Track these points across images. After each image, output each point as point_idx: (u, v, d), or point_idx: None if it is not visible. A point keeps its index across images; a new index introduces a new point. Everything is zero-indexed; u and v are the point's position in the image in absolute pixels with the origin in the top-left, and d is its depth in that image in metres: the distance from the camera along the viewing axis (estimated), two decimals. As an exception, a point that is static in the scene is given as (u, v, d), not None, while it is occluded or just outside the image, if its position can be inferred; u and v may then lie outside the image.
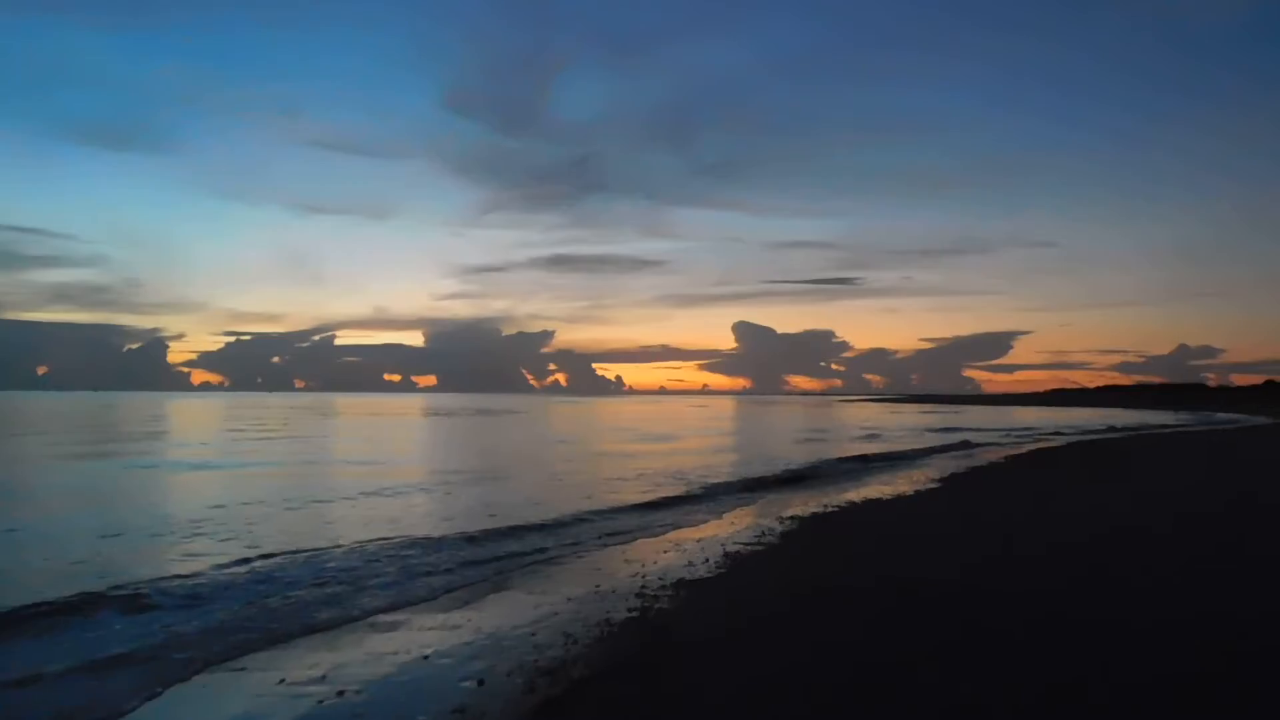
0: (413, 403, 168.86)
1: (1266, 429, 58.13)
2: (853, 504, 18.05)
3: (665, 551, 12.60)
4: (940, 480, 23.17)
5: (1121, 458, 31.38)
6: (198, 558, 11.83)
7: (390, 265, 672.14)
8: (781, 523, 15.19)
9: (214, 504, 17.30)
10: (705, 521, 15.95)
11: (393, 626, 8.61)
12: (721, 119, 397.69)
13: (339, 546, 12.65)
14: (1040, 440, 45.10)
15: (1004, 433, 52.21)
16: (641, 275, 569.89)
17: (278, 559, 11.69)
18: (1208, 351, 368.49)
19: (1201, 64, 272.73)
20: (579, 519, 15.87)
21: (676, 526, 15.40)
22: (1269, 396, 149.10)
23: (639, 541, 13.75)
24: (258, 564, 11.37)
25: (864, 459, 30.83)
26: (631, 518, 16.32)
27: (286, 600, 9.62)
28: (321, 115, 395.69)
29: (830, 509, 17.13)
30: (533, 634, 8.14)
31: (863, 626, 7.90)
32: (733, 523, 15.72)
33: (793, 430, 59.84)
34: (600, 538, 14.05)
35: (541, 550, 12.93)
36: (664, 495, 19.75)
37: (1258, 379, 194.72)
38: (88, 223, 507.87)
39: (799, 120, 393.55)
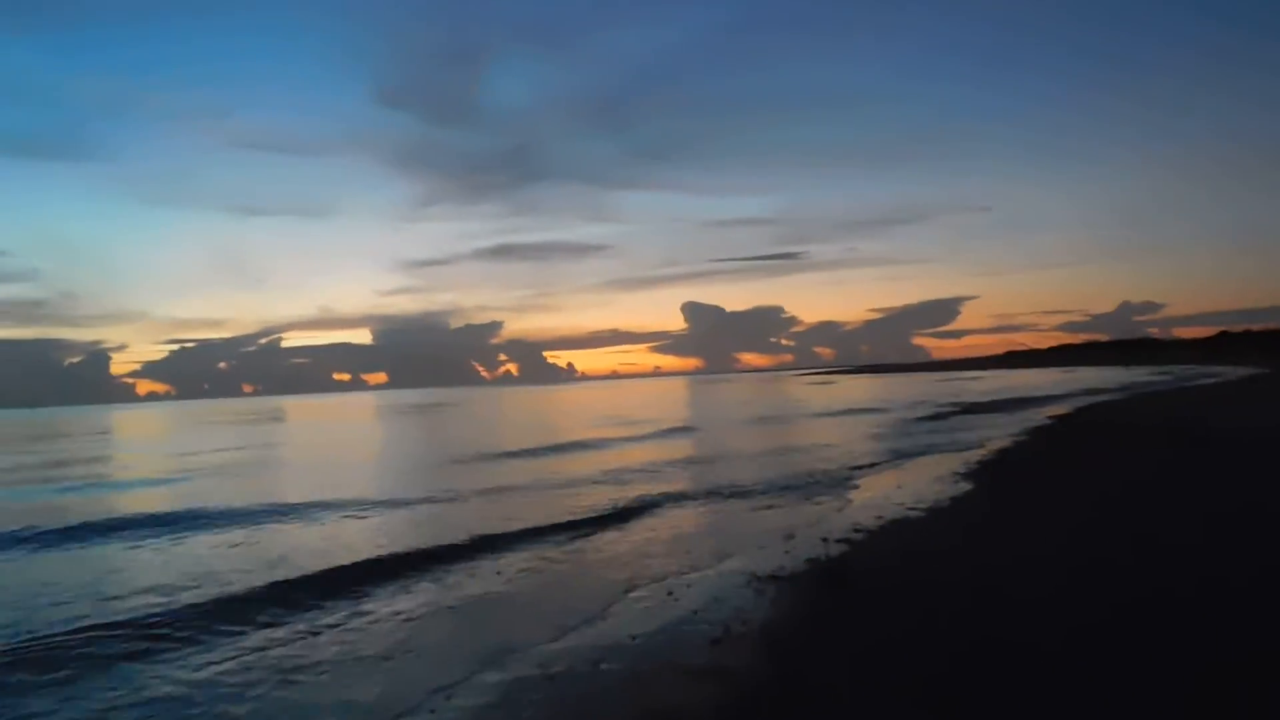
0: (363, 401, 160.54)
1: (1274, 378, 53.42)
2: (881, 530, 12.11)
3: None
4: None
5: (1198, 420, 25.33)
6: None
7: (333, 264, 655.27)
8: (758, 589, 9.16)
9: None
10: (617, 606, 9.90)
11: None
12: (655, 102, 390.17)
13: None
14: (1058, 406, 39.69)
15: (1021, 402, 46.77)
16: (586, 260, 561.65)
17: None
18: (1150, 307, 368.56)
19: (1120, 33, 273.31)
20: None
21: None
22: (1226, 348, 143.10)
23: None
24: None
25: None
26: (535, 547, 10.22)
27: None
28: (251, 116, 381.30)
29: (837, 547, 11.16)
30: None
31: None
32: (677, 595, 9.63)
33: (785, 410, 54.28)
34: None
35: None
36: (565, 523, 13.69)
37: (1202, 331, 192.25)
38: (18, 236, 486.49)
39: (732, 99, 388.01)
